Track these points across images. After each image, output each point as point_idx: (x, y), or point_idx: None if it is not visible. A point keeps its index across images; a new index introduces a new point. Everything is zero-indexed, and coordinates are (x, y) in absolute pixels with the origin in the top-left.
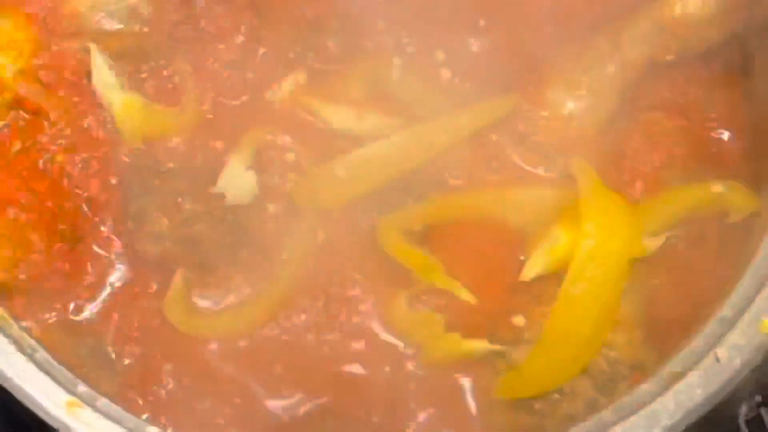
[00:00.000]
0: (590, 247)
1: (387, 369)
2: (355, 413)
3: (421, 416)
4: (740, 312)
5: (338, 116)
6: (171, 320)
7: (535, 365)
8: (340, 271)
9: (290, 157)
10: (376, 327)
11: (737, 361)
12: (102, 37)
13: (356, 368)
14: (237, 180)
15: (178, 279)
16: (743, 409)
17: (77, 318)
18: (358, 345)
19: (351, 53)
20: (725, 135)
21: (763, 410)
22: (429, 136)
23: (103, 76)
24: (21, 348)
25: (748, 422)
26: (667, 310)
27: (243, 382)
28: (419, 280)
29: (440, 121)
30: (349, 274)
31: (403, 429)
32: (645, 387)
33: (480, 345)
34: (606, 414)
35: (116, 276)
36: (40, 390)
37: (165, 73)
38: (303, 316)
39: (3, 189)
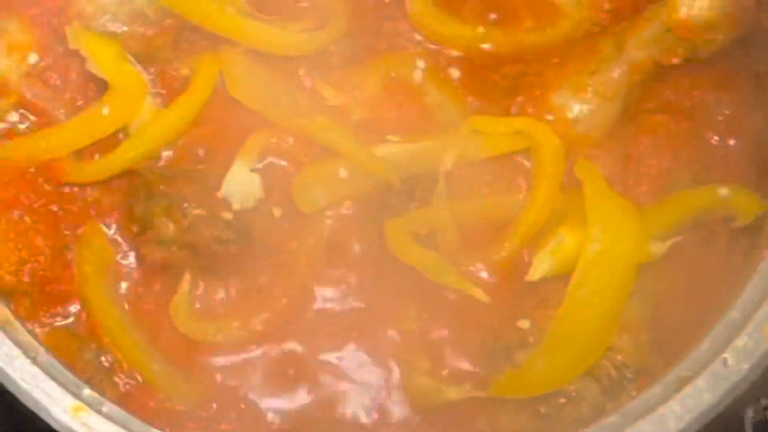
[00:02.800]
0: (596, 250)
1: (390, 372)
2: (356, 418)
3: (422, 419)
4: (747, 316)
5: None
6: (176, 325)
7: (535, 366)
8: (346, 277)
9: (294, 159)
10: (380, 334)
11: (745, 365)
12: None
13: (358, 372)
14: (241, 183)
15: (184, 283)
16: (749, 413)
17: (82, 322)
18: (362, 351)
19: (355, 56)
20: (731, 138)
21: None
22: (435, 153)
23: None
24: (26, 351)
25: (754, 426)
26: (675, 314)
27: (248, 387)
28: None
29: (450, 142)
30: (355, 279)
31: None
32: (652, 391)
33: (461, 392)
34: (613, 418)
35: (121, 280)
36: (45, 394)
37: (171, 75)
38: (308, 322)
39: (7, 191)
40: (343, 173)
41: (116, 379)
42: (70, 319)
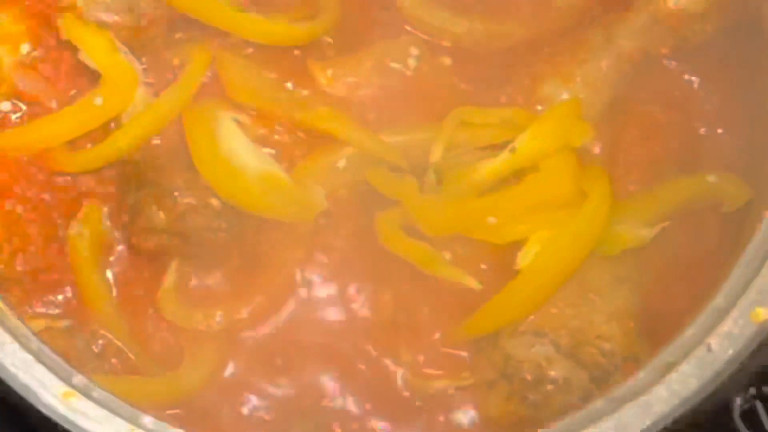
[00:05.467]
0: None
1: (378, 362)
2: (344, 408)
3: (412, 408)
4: (733, 302)
5: (335, 85)
6: (164, 313)
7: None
8: (335, 268)
9: (288, 148)
10: (368, 324)
11: (730, 351)
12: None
13: (346, 362)
14: None
15: (171, 272)
16: (737, 402)
17: (73, 309)
18: (350, 341)
19: (348, 45)
20: (719, 128)
21: (757, 402)
22: (424, 144)
23: None
24: (17, 338)
25: (742, 415)
26: (661, 301)
27: (235, 376)
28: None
29: (439, 132)
30: (344, 270)
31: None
32: (639, 376)
33: (449, 380)
34: (600, 403)
35: (112, 268)
36: (36, 380)
37: (163, 65)
38: (296, 311)
39: (0, 181)
40: (341, 164)
41: (107, 365)
42: (62, 308)
